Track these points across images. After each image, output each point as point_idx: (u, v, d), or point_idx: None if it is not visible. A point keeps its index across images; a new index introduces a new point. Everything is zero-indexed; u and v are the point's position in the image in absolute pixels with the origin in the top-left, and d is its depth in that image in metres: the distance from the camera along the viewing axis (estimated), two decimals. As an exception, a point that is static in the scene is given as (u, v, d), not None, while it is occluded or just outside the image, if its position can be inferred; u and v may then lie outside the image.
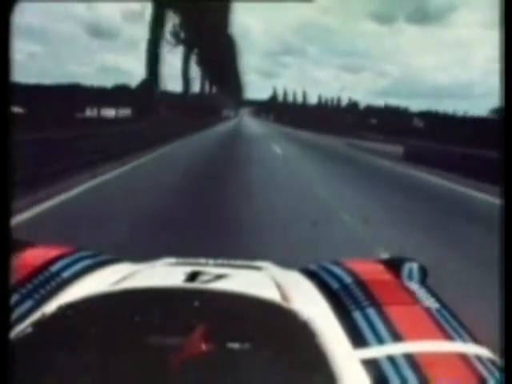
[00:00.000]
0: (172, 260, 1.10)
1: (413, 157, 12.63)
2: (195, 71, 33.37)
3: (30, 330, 0.64)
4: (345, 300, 0.81)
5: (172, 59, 27.98)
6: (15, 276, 0.80)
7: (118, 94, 29.21)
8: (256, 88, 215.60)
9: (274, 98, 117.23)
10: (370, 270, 0.99)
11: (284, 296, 0.79)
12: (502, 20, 0.85)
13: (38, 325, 0.66)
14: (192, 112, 27.99)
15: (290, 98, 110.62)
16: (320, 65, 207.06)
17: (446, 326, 0.73)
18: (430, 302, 0.81)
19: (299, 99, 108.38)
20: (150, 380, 0.61)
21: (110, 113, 25.16)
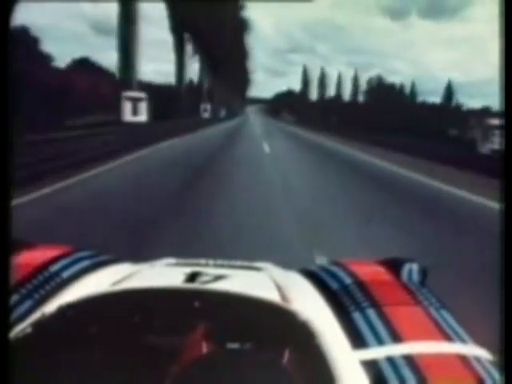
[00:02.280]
0: (172, 260, 1.10)
1: None
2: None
3: (29, 330, 0.64)
4: (344, 301, 0.81)
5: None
6: (15, 276, 0.81)
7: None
8: (263, 86, 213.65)
9: (304, 86, 72.66)
10: (370, 270, 0.98)
11: (284, 297, 0.79)
12: (502, 18, 0.85)
13: (37, 325, 0.66)
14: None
15: (331, 87, 67.28)
16: (329, 62, 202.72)
17: (446, 327, 0.73)
18: (430, 303, 0.81)
19: (347, 88, 65.54)
20: (149, 381, 0.61)
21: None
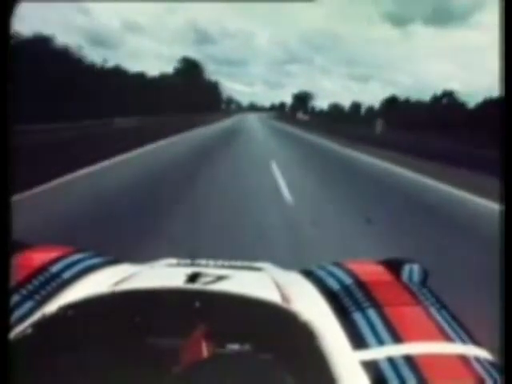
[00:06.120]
0: (173, 261, 1.10)
1: None
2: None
3: (30, 330, 0.64)
4: (345, 301, 0.81)
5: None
6: (15, 277, 0.81)
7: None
8: (262, 97, 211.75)
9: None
10: (371, 271, 0.98)
11: (284, 297, 0.79)
12: (501, 20, 0.85)
13: (38, 325, 0.66)
14: None
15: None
16: (328, 74, 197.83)
17: (446, 328, 0.73)
18: (430, 303, 0.81)
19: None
20: (150, 381, 0.61)
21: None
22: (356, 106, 73.10)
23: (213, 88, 68.16)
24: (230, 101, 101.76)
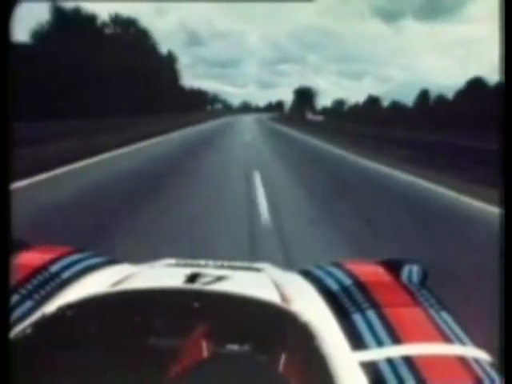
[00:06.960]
0: (172, 261, 1.10)
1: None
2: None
3: (29, 330, 0.64)
4: (344, 302, 0.81)
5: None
6: (15, 276, 0.81)
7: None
8: (255, 96, 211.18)
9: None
10: (370, 271, 0.98)
11: (284, 298, 0.79)
12: (501, 18, 0.85)
13: (37, 325, 0.66)
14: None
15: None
16: (320, 72, 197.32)
17: (446, 329, 0.73)
18: (430, 304, 0.81)
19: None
20: (149, 381, 0.61)
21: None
22: (372, 101, 60.61)
23: (167, 70, 39.53)
24: (215, 98, 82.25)
